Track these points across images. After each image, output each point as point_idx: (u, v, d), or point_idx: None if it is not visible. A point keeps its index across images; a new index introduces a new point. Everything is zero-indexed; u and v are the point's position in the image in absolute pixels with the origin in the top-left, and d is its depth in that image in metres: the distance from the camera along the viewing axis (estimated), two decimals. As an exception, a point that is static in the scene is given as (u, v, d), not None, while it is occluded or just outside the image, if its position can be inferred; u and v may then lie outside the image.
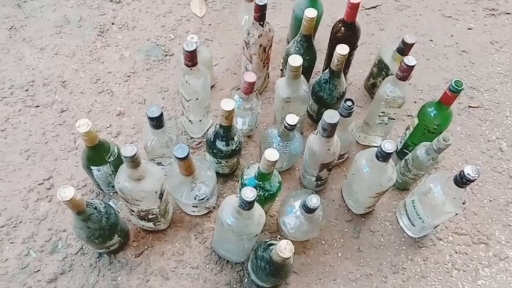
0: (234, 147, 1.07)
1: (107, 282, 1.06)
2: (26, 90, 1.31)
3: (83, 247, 1.09)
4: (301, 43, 1.18)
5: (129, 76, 1.36)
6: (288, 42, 1.38)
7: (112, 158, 1.02)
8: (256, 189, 0.99)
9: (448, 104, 1.05)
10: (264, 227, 1.12)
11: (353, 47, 1.23)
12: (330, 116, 0.94)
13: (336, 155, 1.05)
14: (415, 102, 1.39)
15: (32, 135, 1.23)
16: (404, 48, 1.17)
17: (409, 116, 1.36)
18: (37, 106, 1.28)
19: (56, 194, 1.13)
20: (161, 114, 0.96)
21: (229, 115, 0.98)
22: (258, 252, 0.95)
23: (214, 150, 1.08)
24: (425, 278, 1.12)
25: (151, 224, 1.07)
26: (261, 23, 1.15)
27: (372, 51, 1.49)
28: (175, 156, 0.89)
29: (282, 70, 1.32)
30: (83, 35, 1.43)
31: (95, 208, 0.93)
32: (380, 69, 1.27)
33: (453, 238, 1.17)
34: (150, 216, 1.03)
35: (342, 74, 1.15)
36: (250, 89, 1.09)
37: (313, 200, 0.96)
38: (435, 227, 1.13)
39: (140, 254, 1.10)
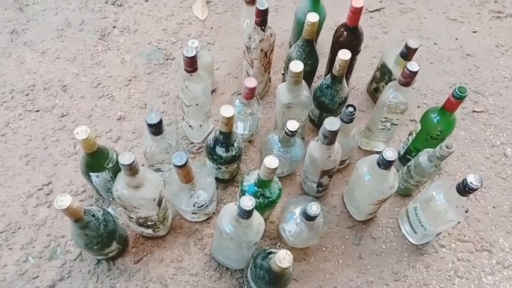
0: (234, 154, 1.06)
1: (106, 288, 1.05)
2: (27, 94, 1.30)
3: (82, 253, 1.09)
4: (303, 48, 1.17)
5: (130, 80, 1.35)
6: (290, 46, 1.37)
7: (110, 165, 1.01)
8: (256, 196, 0.98)
9: (451, 111, 1.04)
10: (264, 233, 1.11)
11: (355, 51, 1.22)
12: (331, 123, 0.93)
13: (337, 162, 1.04)
14: (418, 106, 1.37)
15: (32, 140, 1.23)
16: (408, 53, 1.15)
17: (412, 120, 1.34)
18: (37, 111, 1.28)
19: (55, 199, 1.13)
20: (161, 121, 0.95)
21: (229, 121, 0.97)
22: (257, 261, 0.94)
23: (214, 156, 1.07)
24: (427, 286, 1.10)
25: (150, 231, 1.07)
26: (263, 27, 1.14)
27: (375, 54, 1.47)
28: (174, 164, 0.89)
29: (283, 74, 1.31)
30: (84, 38, 1.43)
31: (93, 215, 0.93)
32: (383, 74, 1.26)
33: (456, 245, 1.16)
34: (149, 223, 1.02)
35: (344, 79, 1.14)
36: (250, 94, 1.08)
37: (314, 208, 0.95)
38: (438, 234, 1.11)
39: (139, 261, 1.09)
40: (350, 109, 1.01)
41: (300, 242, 1.05)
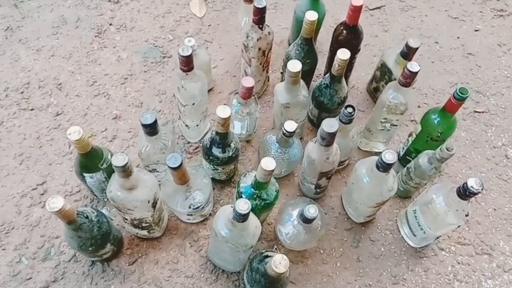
0: (230, 154, 1.04)
1: (100, 290, 1.04)
2: (21, 92, 1.28)
3: (76, 254, 1.07)
4: (301, 46, 1.15)
5: (126, 78, 1.33)
6: (290, 44, 1.35)
7: (105, 165, 0.99)
8: (253, 198, 0.96)
9: (452, 112, 1.02)
10: (261, 235, 1.09)
11: (355, 50, 1.20)
12: (329, 125, 0.91)
13: (335, 163, 1.02)
14: (419, 106, 1.35)
15: (26, 139, 1.21)
16: (408, 53, 1.13)
17: (412, 121, 1.32)
18: (32, 109, 1.26)
19: (47, 201, 1.12)
20: (156, 121, 0.93)
21: (226, 122, 0.95)
22: (253, 264, 0.92)
23: (211, 157, 1.05)
24: (426, 290, 1.09)
25: (145, 232, 1.05)
26: (260, 26, 1.11)
27: (375, 53, 1.45)
28: (168, 166, 0.87)
29: (282, 73, 1.29)
30: (80, 36, 1.41)
31: (87, 217, 0.91)
32: (383, 73, 1.24)
33: (455, 248, 1.14)
34: (144, 225, 1.01)
35: (343, 79, 1.12)
36: (248, 94, 1.06)
37: (311, 210, 0.93)
38: (437, 238, 1.10)
39: (134, 262, 1.08)
40: (349, 109, 0.99)
41: (297, 244, 1.03)
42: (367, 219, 1.14)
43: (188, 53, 0.95)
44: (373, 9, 1.54)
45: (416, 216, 1.05)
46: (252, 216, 0.88)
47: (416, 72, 0.99)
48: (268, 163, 0.87)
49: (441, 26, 1.52)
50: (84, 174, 1.00)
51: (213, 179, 1.15)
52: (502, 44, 1.49)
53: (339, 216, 1.17)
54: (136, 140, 1.23)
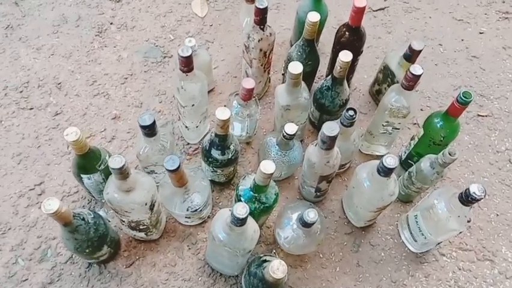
0: (229, 157, 1.03)
1: (97, 293, 1.03)
2: (21, 91, 1.27)
3: (73, 256, 1.06)
4: (303, 48, 1.13)
5: (126, 78, 1.32)
6: (291, 45, 1.33)
7: (102, 166, 0.98)
8: (252, 201, 0.95)
9: (455, 116, 1.00)
10: (259, 238, 1.08)
11: (357, 52, 1.18)
12: (330, 128, 0.89)
13: (336, 167, 1.01)
14: (422, 109, 1.33)
15: (24, 139, 1.20)
16: (411, 55, 1.11)
17: (415, 124, 1.31)
18: (31, 108, 1.25)
19: (42, 203, 1.11)
20: (154, 122, 0.92)
21: (225, 124, 0.94)
22: (251, 269, 0.91)
23: (210, 159, 1.04)
24: (427, 296, 1.07)
25: (142, 234, 1.04)
26: (262, 26, 1.10)
27: (378, 55, 1.43)
28: (166, 168, 0.85)
29: (283, 74, 1.28)
30: (80, 34, 1.40)
31: (83, 219, 0.90)
32: (386, 76, 1.22)
33: (457, 254, 1.12)
34: (141, 227, 1.00)
35: (345, 81, 1.10)
36: (248, 95, 1.05)
37: (311, 215, 0.92)
38: (438, 243, 1.08)
39: (131, 265, 1.06)
40: (350, 113, 0.97)
41: (296, 248, 1.02)
42: (367, 224, 1.13)
43: (188, 54, 0.94)
44: (376, 11, 1.53)
45: (417, 222, 1.03)
46: (250, 220, 0.86)
47: (419, 76, 0.97)
48: (267, 166, 0.86)
49: (445, 28, 1.50)
50: (81, 175, 0.99)
51: (212, 181, 1.14)
52: (506, 47, 1.47)
53: (339, 220, 1.15)
54: (135, 140, 1.22)
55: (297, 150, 1.10)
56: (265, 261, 0.90)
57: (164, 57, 1.37)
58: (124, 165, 0.81)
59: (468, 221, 0.92)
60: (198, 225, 1.12)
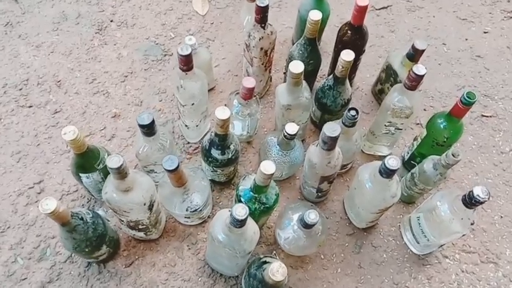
0: (230, 156, 1.02)
1: (96, 293, 1.02)
2: (20, 89, 1.27)
3: (72, 255, 1.05)
4: (305, 46, 1.12)
5: (126, 76, 1.31)
6: (293, 44, 1.32)
7: (101, 165, 0.97)
8: (252, 201, 0.94)
9: (458, 117, 0.99)
10: (260, 238, 1.07)
11: (360, 51, 1.17)
12: (331, 128, 0.88)
13: (337, 168, 1.00)
14: (425, 109, 1.32)
15: (24, 137, 1.20)
16: (414, 54, 1.10)
17: (418, 124, 1.29)
18: (30, 106, 1.24)
19: (40, 202, 1.10)
20: (153, 122, 0.91)
21: (225, 124, 0.93)
22: (250, 270, 0.90)
23: (209, 159, 1.03)
24: (429, 298, 1.06)
25: (142, 234, 1.03)
26: (263, 25, 1.09)
27: (381, 54, 1.42)
28: (164, 168, 0.84)
29: (285, 73, 1.26)
30: (80, 32, 1.39)
31: (81, 219, 0.89)
32: (388, 75, 1.21)
33: (460, 256, 1.11)
34: (140, 227, 0.99)
35: (347, 81, 1.09)
36: (249, 94, 1.04)
37: (312, 216, 0.91)
38: (441, 245, 1.07)
39: (130, 264, 1.06)
40: (352, 112, 0.96)
41: (296, 250, 1.01)
42: (369, 225, 1.11)
43: (188, 52, 0.93)
44: (379, 9, 1.51)
45: (419, 223, 1.02)
46: (250, 221, 0.85)
47: (422, 76, 0.96)
48: (267, 167, 0.85)
49: (449, 28, 1.48)
50: (80, 174, 0.98)
51: (213, 181, 1.13)
52: (511, 47, 1.45)
53: (340, 221, 1.14)
54: (135, 139, 1.21)
55: (298, 150, 1.09)
56: (265, 262, 0.89)
57: (165, 55, 1.36)
58: (122, 164, 0.80)
59: (471, 224, 0.91)
60: (198, 225, 1.11)
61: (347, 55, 0.99)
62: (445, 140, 1.03)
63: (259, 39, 1.10)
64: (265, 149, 1.10)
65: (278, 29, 1.43)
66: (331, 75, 1.09)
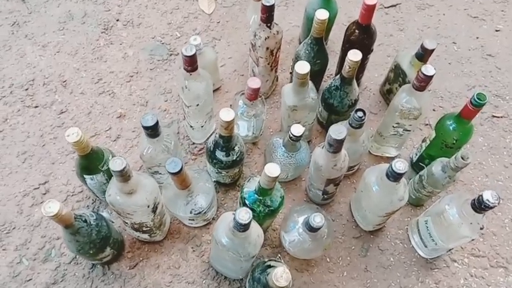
0: (234, 158, 1.01)
1: (100, 294, 1.02)
2: (26, 89, 1.27)
3: (77, 256, 1.05)
4: (311, 46, 1.10)
5: (132, 76, 1.31)
6: (300, 43, 1.30)
7: (105, 167, 0.97)
8: (256, 204, 0.93)
9: (468, 119, 0.96)
10: (265, 241, 1.06)
11: (367, 51, 1.15)
12: (337, 131, 0.86)
13: (343, 170, 0.98)
14: (434, 110, 1.29)
15: (29, 137, 1.20)
16: (423, 54, 1.08)
17: (427, 125, 1.27)
18: (36, 106, 1.24)
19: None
20: (157, 123, 0.90)
21: (229, 126, 0.91)
22: (255, 274, 0.89)
23: (214, 161, 1.02)
24: (437, 303, 1.04)
25: (146, 236, 1.03)
26: (269, 24, 1.07)
27: (390, 53, 1.39)
28: (168, 171, 0.84)
29: (291, 73, 1.25)
30: (86, 31, 1.38)
31: (85, 221, 0.88)
32: (397, 75, 1.18)
33: (469, 260, 1.09)
34: (144, 229, 0.98)
35: (354, 81, 1.07)
36: (254, 95, 1.03)
37: (317, 219, 0.89)
38: (450, 249, 1.05)
39: (134, 266, 1.05)
40: (359, 114, 0.94)
41: (301, 253, 1.00)
42: (376, 228, 1.10)
43: (192, 53, 0.92)
44: (388, 7, 1.48)
45: (427, 227, 1.00)
46: (254, 224, 0.84)
47: (431, 76, 0.94)
48: (272, 169, 0.84)
49: (459, 26, 1.45)
50: (84, 175, 0.98)
51: (217, 182, 1.12)
52: (524, 45, 1.42)
53: (347, 224, 1.12)
54: (140, 139, 1.20)
55: (304, 151, 1.07)
56: (269, 266, 0.87)
57: (171, 54, 1.35)
58: (125, 167, 0.80)
59: (481, 228, 0.89)
60: (203, 227, 1.10)
61: (354, 55, 0.97)
62: (454, 142, 1.01)
63: (265, 39, 1.08)
64: (271, 150, 1.08)
65: (285, 27, 1.41)
66: (338, 76, 1.07)
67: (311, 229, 0.91)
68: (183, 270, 1.05)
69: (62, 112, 1.24)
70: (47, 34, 1.37)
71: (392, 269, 1.07)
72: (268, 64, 1.16)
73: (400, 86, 1.15)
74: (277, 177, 0.84)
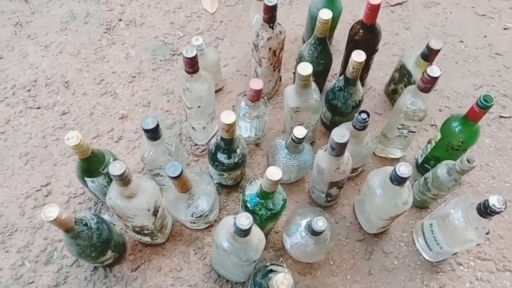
0: (236, 160, 1.00)
1: (102, 297, 1.01)
2: (28, 90, 1.26)
3: (78, 259, 1.05)
4: (315, 46, 1.09)
5: (134, 77, 1.30)
6: (304, 42, 1.28)
7: (106, 170, 0.96)
8: (258, 207, 0.92)
9: (474, 120, 0.94)
10: (267, 244, 1.05)
11: (372, 51, 1.13)
12: (339, 134, 0.85)
13: (346, 173, 0.96)
14: (440, 110, 1.27)
15: (32, 139, 1.19)
16: (429, 54, 1.06)
17: (433, 125, 1.25)
18: (38, 107, 1.24)
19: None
20: (157, 126, 0.89)
21: (230, 128, 0.90)
22: (256, 278, 0.88)
23: (216, 163, 1.01)
24: (442, 307, 1.03)
25: (147, 238, 1.02)
26: (271, 24, 1.05)
27: (395, 52, 1.37)
28: (168, 175, 0.83)
29: (294, 73, 1.23)
30: (89, 32, 1.38)
31: (85, 225, 0.88)
32: (402, 76, 1.16)
33: (475, 263, 1.07)
34: (145, 232, 0.97)
35: (359, 81, 1.05)
36: (256, 96, 1.01)
37: (320, 223, 0.88)
38: (455, 253, 1.03)
39: (136, 269, 1.05)
40: (363, 116, 0.93)
41: (304, 256, 0.99)
42: (380, 230, 1.08)
43: (193, 54, 0.91)
44: (394, 5, 1.46)
45: (432, 230, 0.98)
46: (255, 228, 0.83)
47: (437, 78, 0.92)
48: (273, 173, 0.82)
49: (467, 24, 1.43)
50: (85, 178, 0.97)
51: (220, 184, 1.12)
52: (533, 44, 1.39)
53: (350, 226, 1.11)
54: (142, 141, 1.20)
55: (307, 153, 1.06)
56: (271, 271, 0.87)
57: (173, 54, 1.34)
58: (124, 172, 0.79)
59: (487, 233, 0.87)
60: (205, 229, 1.09)
61: (358, 56, 0.95)
62: (460, 144, 0.99)
63: (268, 39, 1.07)
64: (273, 152, 1.07)
65: (289, 26, 1.40)
66: (342, 76, 1.05)
67: (313, 233, 0.90)
68: (185, 273, 1.05)
69: (64, 113, 1.23)
70: (49, 34, 1.37)
71: (396, 272, 1.06)
72: (271, 64, 1.15)
73: (405, 86, 1.13)
74: (279, 180, 0.83)
